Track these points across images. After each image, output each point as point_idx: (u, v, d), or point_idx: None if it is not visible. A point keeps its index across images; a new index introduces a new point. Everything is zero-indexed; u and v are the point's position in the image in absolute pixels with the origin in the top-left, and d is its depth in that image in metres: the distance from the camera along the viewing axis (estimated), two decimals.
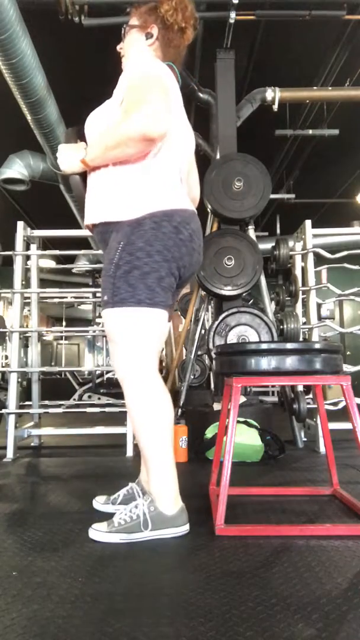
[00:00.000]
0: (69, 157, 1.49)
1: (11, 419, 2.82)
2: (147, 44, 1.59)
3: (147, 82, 1.40)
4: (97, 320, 8.77)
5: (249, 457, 2.52)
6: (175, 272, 1.46)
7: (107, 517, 1.49)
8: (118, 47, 1.65)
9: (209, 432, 2.67)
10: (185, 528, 1.43)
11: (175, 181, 1.50)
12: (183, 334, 3.86)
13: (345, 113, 4.67)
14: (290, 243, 3.32)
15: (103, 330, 5.79)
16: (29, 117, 3.70)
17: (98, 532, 1.40)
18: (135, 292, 1.40)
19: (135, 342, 1.43)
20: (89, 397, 6.64)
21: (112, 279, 1.42)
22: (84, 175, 1.55)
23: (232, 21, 3.26)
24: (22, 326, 3.07)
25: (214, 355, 2.84)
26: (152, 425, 1.44)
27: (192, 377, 3.97)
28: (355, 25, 3.56)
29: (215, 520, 1.43)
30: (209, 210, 3.21)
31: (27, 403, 3.47)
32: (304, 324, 3.11)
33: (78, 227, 6.00)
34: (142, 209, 1.42)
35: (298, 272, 3.29)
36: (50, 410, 3.24)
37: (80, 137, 1.57)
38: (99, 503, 1.66)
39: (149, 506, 1.41)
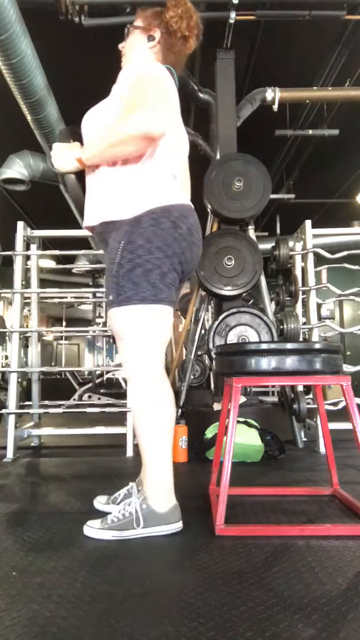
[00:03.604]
0: (63, 156, 1.51)
1: (11, 419, 2.82)
2: (148, 46, 1.61)
3: (147, 83, 1.44)
4: (97, 320, 8.77)
5: (249, 457, 2.52)
6: (177, 267, 1.47)
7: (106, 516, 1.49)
8: (120, 46, 1.67)
9: (209, 432, 2.67)
10: (178, 525, 1.44)
11: (169, 177, 1.51)
12: (183, 334, 3.86)
13: (345, 113, 4.67)
14: (290, 243, 3.32)
15: (104, 330, 5.79)
16: (29, 117, 3.70)
17: (92, 529, 1.43)
18: (139, 290, 1.41)
19: (142, 338, 1.45)
20: (89, 397, 6.64)
21: (116, 278, 1.43)
22: (79, 175, 1.56)
23: (232, 21, 3.26)
24: (22, 326, 3.07)
25: (214, 355, 2.84)
26: (153, 424, 1.45)
27: (192, 377, 3.96)
28: (355, 25, 3.56)
29: (215, 520, 1.43)
30: (209, 210, 3.21)
31: (27, 403, 3.47)
32: (304, 324, 3.11)
33: (78, 227, 5.97)
34: (140, 207, 1.43)
35: (298, 272, 3.29)
36: (50, 410, 3.23)
37: (74, 137, 1.58)
38: (100, 503, 1.66)
39: (141, 504, 1.43)
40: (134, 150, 1.42)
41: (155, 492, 1.44)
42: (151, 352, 1.46)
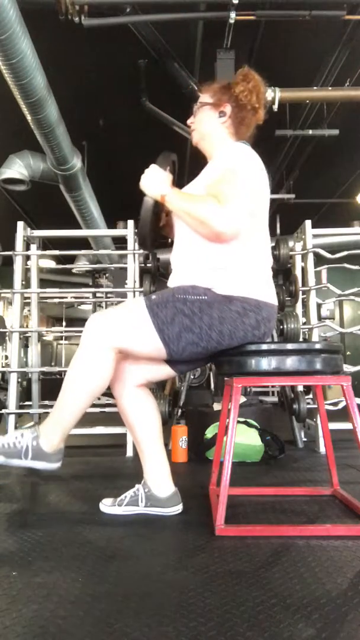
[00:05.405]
0: (154, 182, 1.52)
1: (11, 419, 2.82)
2: (219, 122, 1.63)
3: (239, 180, 1.45)
4: None
5: (249, 457, 2.52)
6: (214, 351, 1.51)
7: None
8: (189, 122, 1.70)
9: (209, 432, 2.67)
10: (58, 465, 1.56)
11: (267, 266, 1.56)
12: None
13: (345, 113, 4.67)
14: (290, 243, 3.31)
15: None
16: (29, 117, 3.70)
17: None
18: (167, 325, 1.45)
19: (123, 321, 1.49)
20: None
21: (172, 298, 1.48)
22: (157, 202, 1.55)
23: (232, 21, 3.25)
24: (22, 326, 3.07)
25: None
26: (81, 379, 1.51)
27: (192, 377, 3.96)
28: (355, 25, 3.55)
29: (215, 520, 1.43)
30: None
31: (27, 403, 3.47)
32: (304, 324, 3.11)
33: (78, 227, 5.99)
34: (236, 289, 1.47)
35: (298, 272, 3.29)
36: (50, 410, 3.23)
37: (171, 166, 1.61)
38: (106, 506, 1.65)
39: (33, 439, 1.53)
40: (202, 234, 1.46)
41: (50, 433, 1.54)
42: (117, 336, 1.49)
